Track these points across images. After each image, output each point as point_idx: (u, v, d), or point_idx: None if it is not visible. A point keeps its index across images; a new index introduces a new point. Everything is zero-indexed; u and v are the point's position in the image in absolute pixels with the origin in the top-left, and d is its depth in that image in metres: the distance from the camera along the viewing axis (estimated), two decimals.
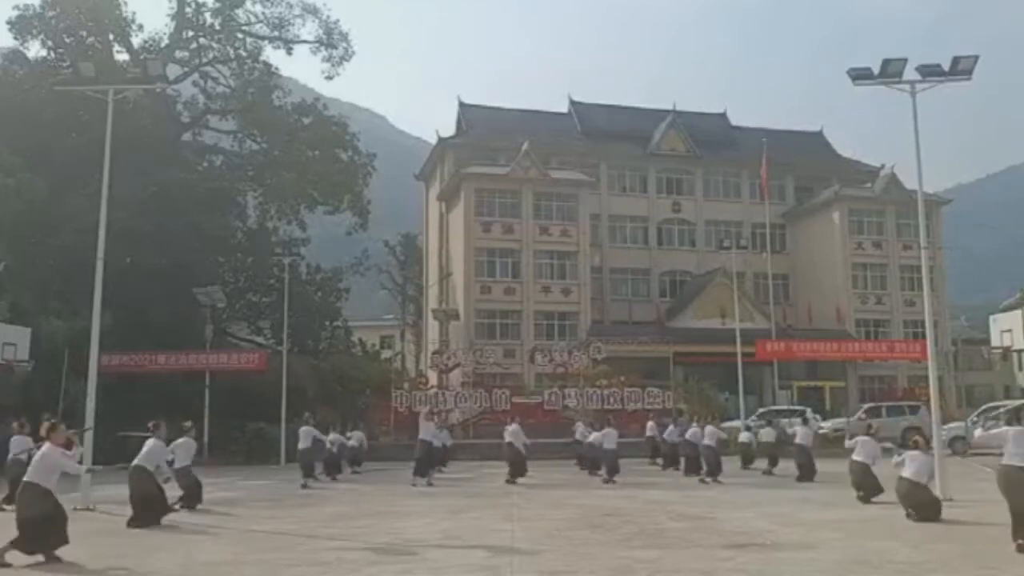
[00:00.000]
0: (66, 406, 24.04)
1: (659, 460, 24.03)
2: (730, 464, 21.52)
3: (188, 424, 15.03)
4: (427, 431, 19.33)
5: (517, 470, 19.28)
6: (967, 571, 8.32)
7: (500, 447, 20.99)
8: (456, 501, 15.64)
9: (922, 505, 11.68)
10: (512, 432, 19.83)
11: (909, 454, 12.00)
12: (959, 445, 26.58)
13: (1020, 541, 8.84)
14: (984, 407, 31.07)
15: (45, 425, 9.99)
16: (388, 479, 21.01)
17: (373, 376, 37.17)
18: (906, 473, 11.77)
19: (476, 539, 10.71)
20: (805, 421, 22.89)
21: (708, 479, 18.85)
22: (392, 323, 65.79)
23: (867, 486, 14.03)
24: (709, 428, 20.59)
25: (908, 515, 11.69)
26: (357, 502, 15.81)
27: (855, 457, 14.44)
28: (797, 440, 19.80)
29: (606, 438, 19.67)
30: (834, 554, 9.14)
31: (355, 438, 23.53)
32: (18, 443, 14.85)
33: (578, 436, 24.00)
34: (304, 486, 18.55)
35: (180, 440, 14.18)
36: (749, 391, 33.25)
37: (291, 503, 15.72)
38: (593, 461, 21.29)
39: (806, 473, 18.71)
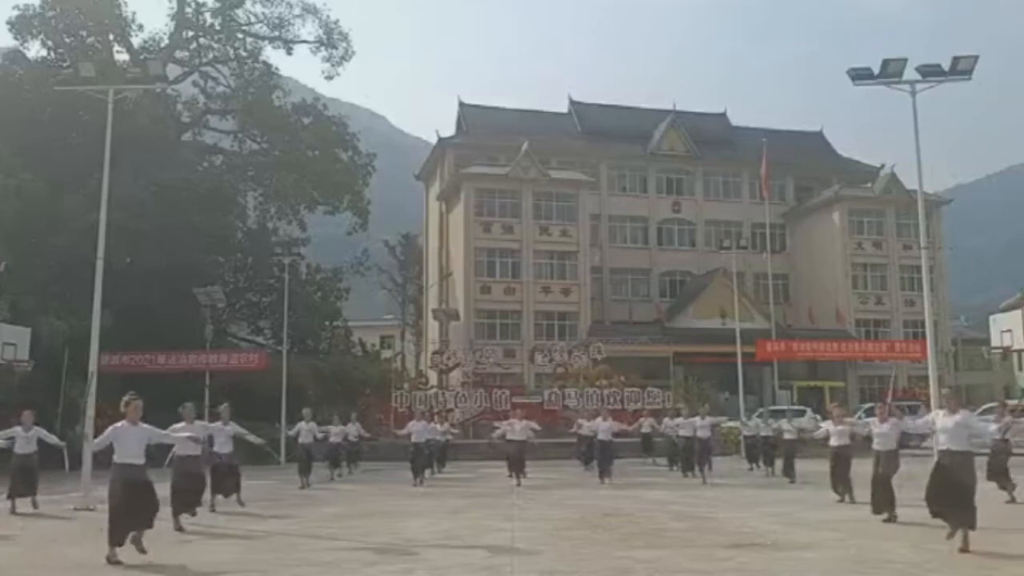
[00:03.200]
0: (66, 406, 24.05)
1: (656, 460, 24.04)
2: (730, 463, 21.52)
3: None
4: (415, 431, 19.24)
5: (517, 466, 18.98)
6: (967, 571, 8.32)
7: (501, 447, 20.90)
8: (456, 501, 15.63)
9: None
10: (520, 429, 19.58)
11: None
12: None
13: None
14: (984, 407, 31.04)
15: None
16: (387, 479, 21.01)
17: (373, 376, 37.15)
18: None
19: (476, 539, 10.70)
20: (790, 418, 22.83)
21: (701, 474, 18.78)
22: (392, 323, 65.76)
23: (839, 474, 13.91)
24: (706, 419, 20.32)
25: None
26: (357, 502, 15.81)
27: (832, 443, 14.23)
28: (786, 436, 19.71)
29: (601, 429, 19.62)
30: (834, 554, 9.14)
31: (351, 432, 23.29)
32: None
33: (584, 431, 23.79)
34: (302, 487, 18.55)
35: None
36: (749, 391, 33.22)
37: (291, 503, 15.71)
38: (590, 454, 21.37)
39: (788, 470, 18.68)
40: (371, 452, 26.53)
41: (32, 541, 11.08)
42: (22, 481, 14.12)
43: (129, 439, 9.38)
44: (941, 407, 9.92)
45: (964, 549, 8.89)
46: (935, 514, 9.44)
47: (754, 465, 21.95)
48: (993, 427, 15.17)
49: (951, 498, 9.20)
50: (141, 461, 9.40)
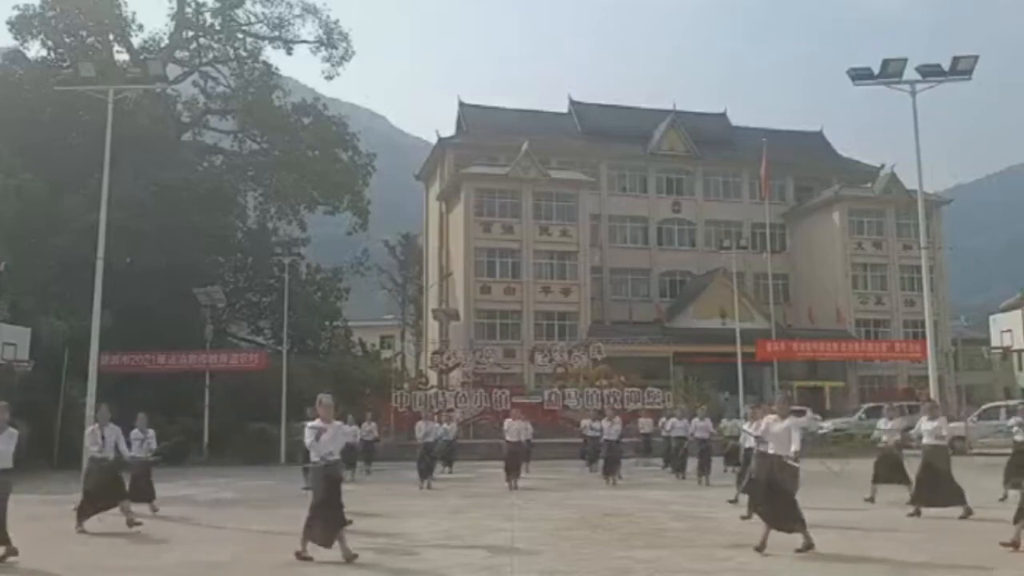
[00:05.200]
0: (66, 406, 24.08)
1: (650, 461, 23.99)
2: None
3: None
4: (421, 431, 19.20)
5: (514, 470, 18.63)
6: (966, 571, 8.32)
7: (500, 447, 20.80)
8: (456, 501, 15.63)
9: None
10: (517, 429, 19.46)
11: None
12: (959, 445, 26.58)
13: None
14: (984, 407, 31.07)
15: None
16: (388, 479, 21.00)
17: (373, 376, 37.15)
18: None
19: (476, 539, 10.71)
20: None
21: (697, 478, 18.66)
22: (392, 323, 65.78)
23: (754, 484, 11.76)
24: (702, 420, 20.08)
25: None
26: (357, 502, 15.76)
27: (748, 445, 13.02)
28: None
29: (608, 429, 19.47)
30: (833, 554, 9.12)
31: (366, 431, 22.75)
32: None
33: (588, 432, 23.71)
34: (307, 488, 18.45)
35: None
36: (749, 391, 33.25)
37: (291, 503, 15.69)
38: (596, 454, 21.30)
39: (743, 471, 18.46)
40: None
41: (32, 541, 11.07)
42: (141, 486, 13.46)
43: (326, 437, 9.37)
44: (772, 412, 9.84)
45: (804, 548, 8.91)
46: (763, 518, 9.37)
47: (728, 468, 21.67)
48: (888, 426, 14.93)
49: (774, 501, 9.20)
50: (337, 458, 9.44)
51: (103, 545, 10.53)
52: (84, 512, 11.73)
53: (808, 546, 8.99)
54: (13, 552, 9.12)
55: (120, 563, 9.23)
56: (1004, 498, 13.41)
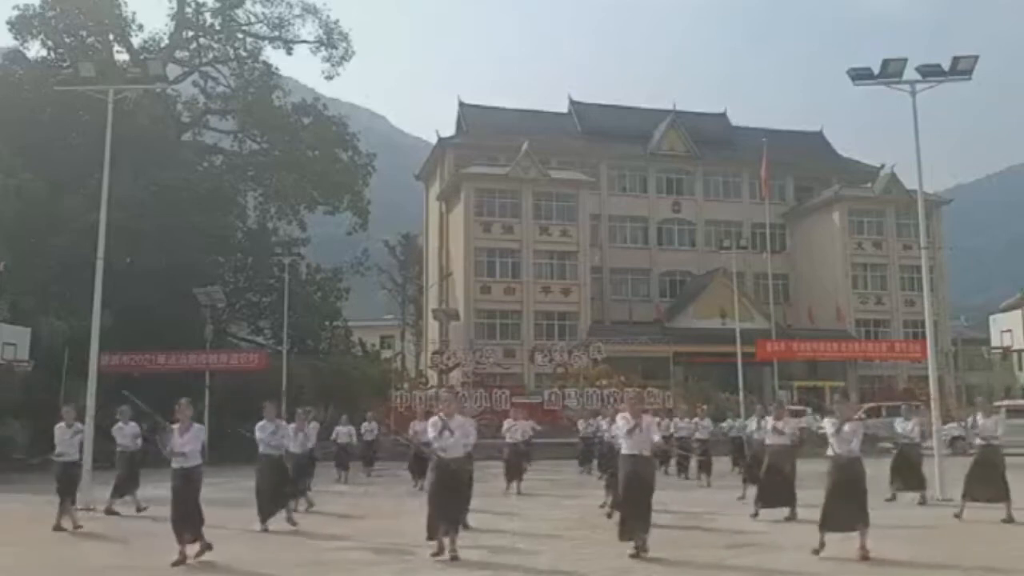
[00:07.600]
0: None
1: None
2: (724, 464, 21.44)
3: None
4: (411, 431, 19.05)
5: (514, 473, 18.44)
6: (966, 571, 8.32)
7: (500, 447, 20.76)
8: None
9: None
10: (517, 429, 19.37)
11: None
12: (959, 445, 26.55)
13: None
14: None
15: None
16: (388, 480, 21.00)
17: (373, 376, 37.14)
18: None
19: (476, 539, 10.70)
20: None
21: (699, 478, 18.64)
22: (392, 323, 65.78)
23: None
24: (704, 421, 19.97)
25: None
26: (357, 502, 15.82)
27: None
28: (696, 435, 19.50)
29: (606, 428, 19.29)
30: (832, 554, 9.13)
31: (368, 431, 22.60)
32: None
33: (582, 432, 23.58)
34: (304, 488, 18.42)
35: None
36: (749, 391, 33.24)
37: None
38: (589, 454, 21.15)
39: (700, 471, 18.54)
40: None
41: (31, 541, 11.08)
42: (295, 483, 13.11)
43: (447, 435, 9.34)
44: (622, 412, 9.82)
45: (636, 554, 8.87)
46: (622, 519, 9.30)
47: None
48: (908, 427, 14.71)
49: (634, 502, 9.16)
50: (458, 454, 9.35)
51: (102, 546, 10.53)
52: (266, 511, 11.64)
53: (638, 553, 8.89)
54: (208, 547, 9.13)
55: (119, 563, 9.22)
56: (892, 498, 13.67)
